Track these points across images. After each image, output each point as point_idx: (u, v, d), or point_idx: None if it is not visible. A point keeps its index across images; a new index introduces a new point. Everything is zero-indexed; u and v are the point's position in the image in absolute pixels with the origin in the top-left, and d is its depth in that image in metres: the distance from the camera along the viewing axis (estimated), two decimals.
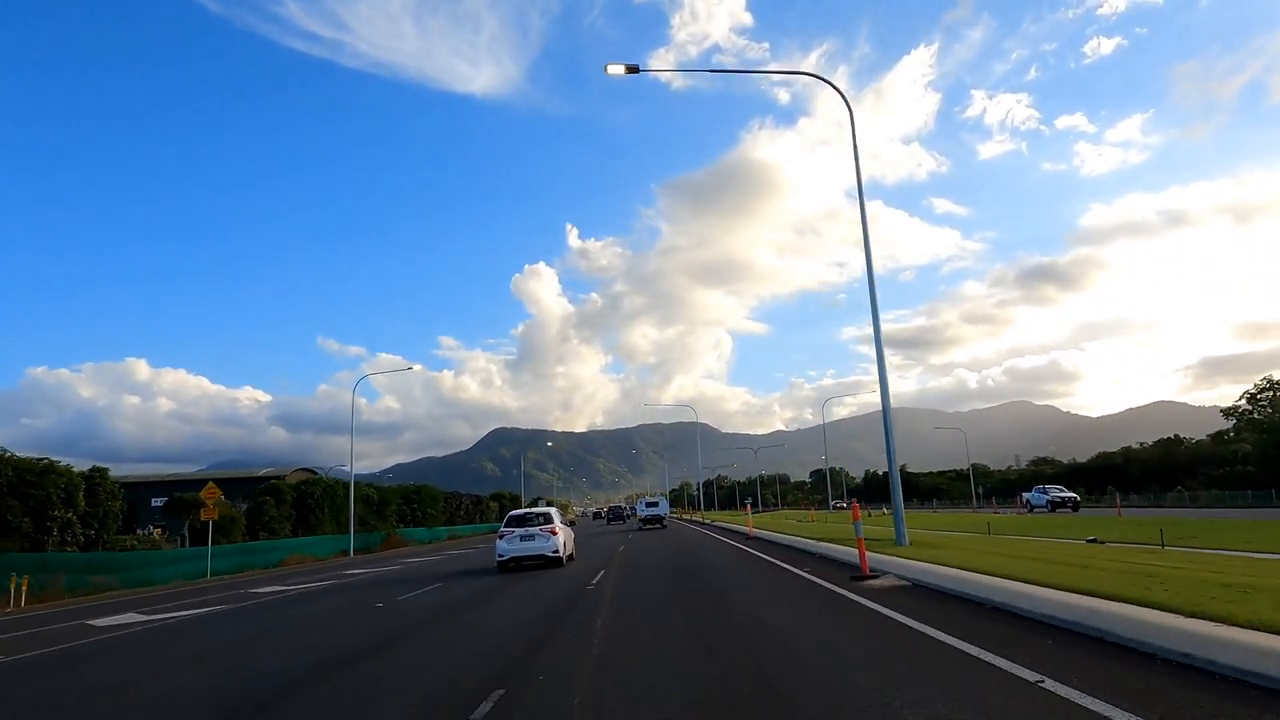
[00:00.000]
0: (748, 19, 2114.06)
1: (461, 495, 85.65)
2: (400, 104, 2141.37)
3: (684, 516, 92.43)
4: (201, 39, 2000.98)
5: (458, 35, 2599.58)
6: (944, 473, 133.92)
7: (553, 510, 22.51)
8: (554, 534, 20.38)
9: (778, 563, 17.22)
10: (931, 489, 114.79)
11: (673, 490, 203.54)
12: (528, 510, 22.67)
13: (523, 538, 20.38)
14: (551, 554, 20.18)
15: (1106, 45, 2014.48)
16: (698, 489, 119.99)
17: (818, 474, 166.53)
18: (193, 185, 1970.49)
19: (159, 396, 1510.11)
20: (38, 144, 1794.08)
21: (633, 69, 17.71)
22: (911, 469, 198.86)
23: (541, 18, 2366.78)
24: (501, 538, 20.63)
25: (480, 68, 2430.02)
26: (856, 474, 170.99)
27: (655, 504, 56.27)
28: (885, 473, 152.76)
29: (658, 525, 51.63)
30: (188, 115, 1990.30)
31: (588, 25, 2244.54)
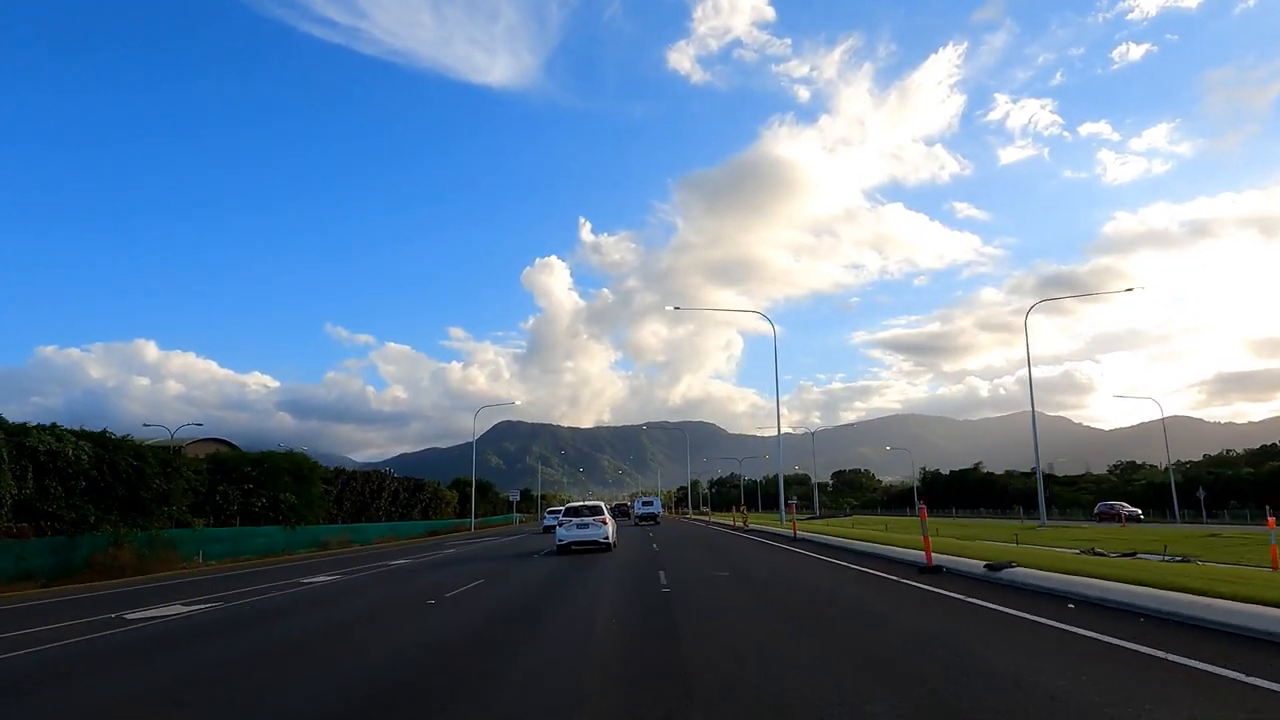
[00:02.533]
0: (770, 14, 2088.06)
1: (387, 475, 58.71)
2: (415, 93, 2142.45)
3: (729, 522, 55.12)
4: (215, 19, 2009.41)
5: (475, 25, 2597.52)
6: (1027, 474, 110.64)
7: (601, 504, 26.31)
8: (605, 523, 24.05)
9: None
10: (1022, 493, 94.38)
11: (681, 488, 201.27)
12: (582, 504, 26.14)
13: (579, 526, 23.98)
14: (603, 540, 23.87)
15: (1136, 51, 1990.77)
16: (709, 487, 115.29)
17: (839, 475, 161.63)
18: (203, 167, 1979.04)
19: (168, 379, 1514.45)
20: (47, 122, 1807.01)
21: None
22: (891, 477, 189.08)
23: (560, 10, 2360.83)
24: (561, 525, 24.49)
25: (497, 58, 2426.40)
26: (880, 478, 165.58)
27: (650, 503, 65.20)
28: (953, 472, 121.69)
29: (652, 522, 56.97)
30: (200, 97, 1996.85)
31: (607, 18, 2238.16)
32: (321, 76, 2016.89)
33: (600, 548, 23.95)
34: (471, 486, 75.39)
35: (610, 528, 24.29)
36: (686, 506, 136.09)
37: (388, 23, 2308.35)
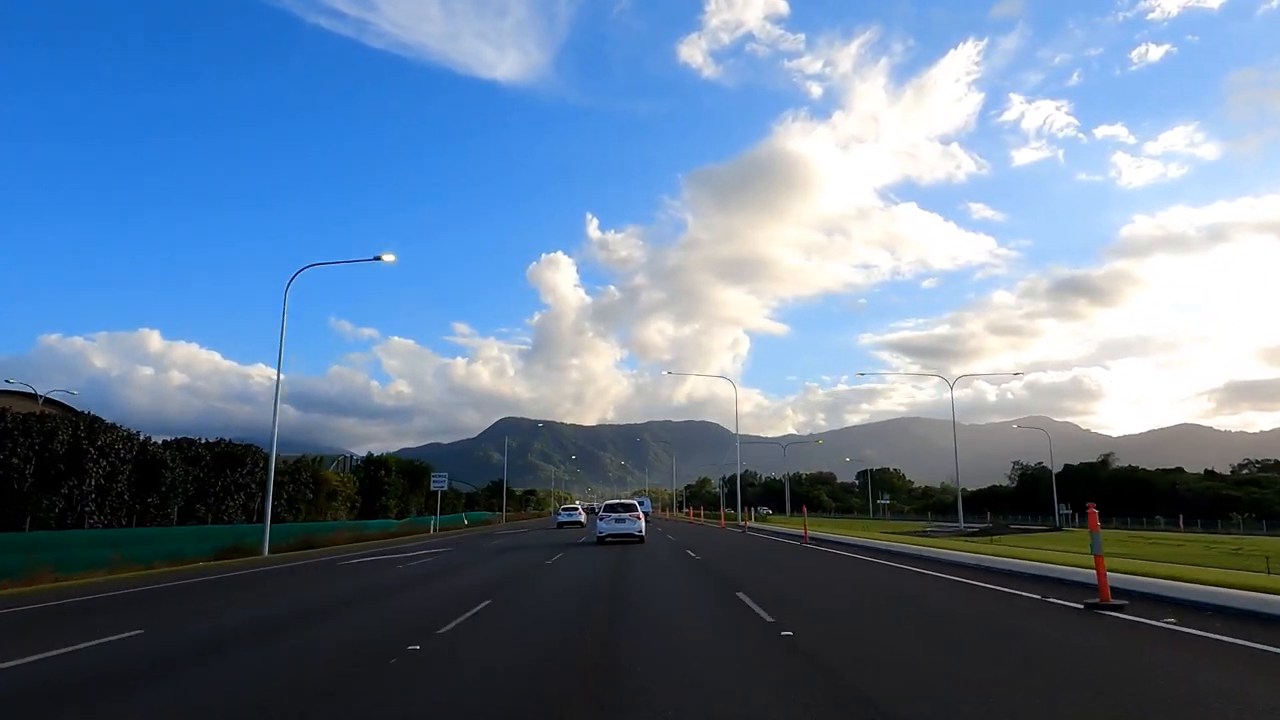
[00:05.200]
0: (783, 7, 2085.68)
1: (224, 444, 34.45)
2: (423, 88, 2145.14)
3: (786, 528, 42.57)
4: (221, 11, 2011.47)
5: (483, 20, 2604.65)
6: (1215, 473, 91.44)
7: (635, 501, 31.35)
8: (639, 518, 28.35)
9: None
10: (1202, 498, 73.06)
11: (689, 487, 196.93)
12: (620, 501, 30.63)
13: (617, 520, 28.07)
14: (637, 533, 28.02)
15: (1155, 52, 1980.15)
16: (721, 484, 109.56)
17: (863, 474, 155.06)
18: (208, 159, 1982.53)
19: (171, 369, 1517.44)
20: (51, 116, 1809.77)
21: None
22: (913, 480, 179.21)
23: (569, 4, 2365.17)
24: (601, 519, 28.61)
25: (505, 53, 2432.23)
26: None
27: (642, 503, 74.19)
28: (1068, 467, 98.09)
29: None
30: (206, 87, 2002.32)
31: (617, 12, 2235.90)
32: (328, 70, 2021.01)
33: (634, 539, 27.94)
34: (272, 457, 30.33)
35: (642, 523, 28.55)
36: (735, 509, 70.14)
37: (396, 16, 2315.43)
